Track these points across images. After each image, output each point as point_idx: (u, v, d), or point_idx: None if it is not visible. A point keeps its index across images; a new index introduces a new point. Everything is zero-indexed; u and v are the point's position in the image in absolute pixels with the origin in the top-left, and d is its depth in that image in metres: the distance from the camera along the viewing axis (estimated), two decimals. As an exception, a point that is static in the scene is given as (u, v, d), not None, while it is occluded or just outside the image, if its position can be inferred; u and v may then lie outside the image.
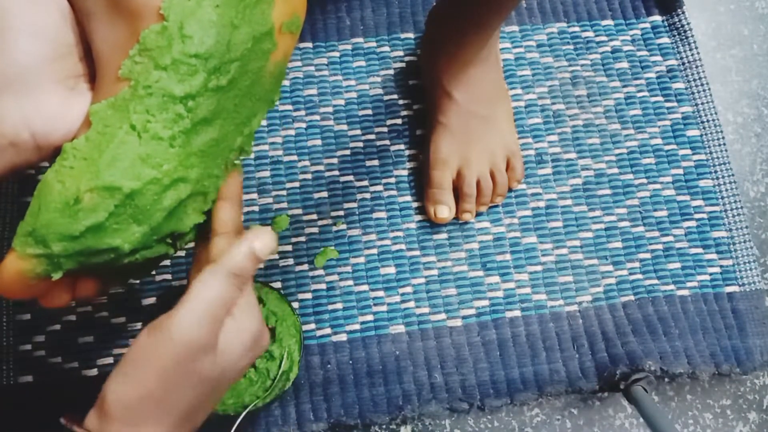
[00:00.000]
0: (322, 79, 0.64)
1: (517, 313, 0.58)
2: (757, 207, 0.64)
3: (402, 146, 0.62)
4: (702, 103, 0.64)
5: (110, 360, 0.56)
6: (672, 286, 0.59)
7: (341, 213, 0.60)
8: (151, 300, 0.57)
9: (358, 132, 0.62)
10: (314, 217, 0.60)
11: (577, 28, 0.66)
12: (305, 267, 0.59)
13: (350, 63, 0.64)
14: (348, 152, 0.62)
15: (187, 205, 0.30)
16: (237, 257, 0.31)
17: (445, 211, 0.58)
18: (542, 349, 0.57)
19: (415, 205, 0.61)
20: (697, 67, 0.65)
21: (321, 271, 0.58)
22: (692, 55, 0.65)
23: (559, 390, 0.56)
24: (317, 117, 0.62)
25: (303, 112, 0.63)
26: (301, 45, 0.64)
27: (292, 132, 0.62)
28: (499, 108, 0.59)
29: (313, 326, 0.57)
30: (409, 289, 0.58)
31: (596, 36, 0.66)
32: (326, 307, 0.58)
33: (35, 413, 0.54)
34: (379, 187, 0.61)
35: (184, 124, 0.28)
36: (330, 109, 0.63)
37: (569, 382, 0.56)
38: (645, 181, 0.62)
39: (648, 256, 0.60)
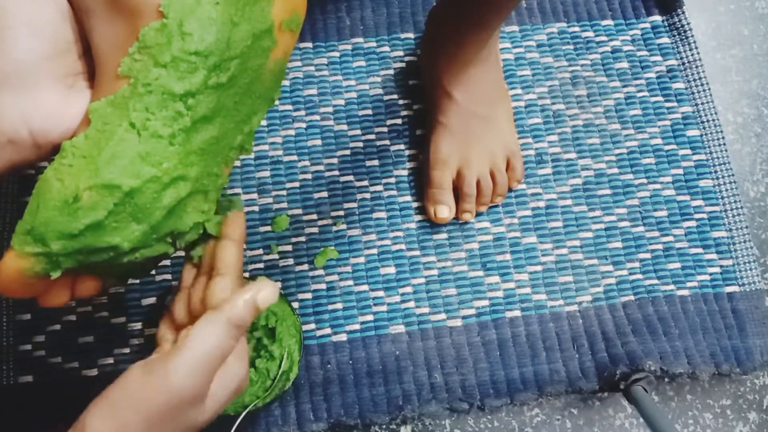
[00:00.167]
0: (322, 79, 0.64)
1: (517, 313, 0.58)
2: (757, 207, 0.64)
3: (402, 146, 0.62)
4: (702, 103, 0.64)
5: (110, 360, 0.56)
6: (672, 286, 0.59)
7: (341, 213, 0.60)
8: (151, 300, 0.57)
9: (358, 132, 0.62)
10: (314, 217, 0.60)
11: (577, 28, 0.66)
12: (305, 267, 0.59)
13: (350, 63, 0.64)
14: (348, 152, 0.62)
15: (186, 204, 0.30)
16: (238, 308, 0.31)
17: (445, 211, 0.58)
18: (542, 349, 0.57)
19: (415, 205, 0.61)
20: (697, 67, 0.65)
21: (321, 271, 0.58)
22: (692, 55, 0.65)
23: (559, 390, 0.56)
24: (317, 117, 0.63)
25: (303, 112, 0.63)
26: (301, 45, 0.64)
27: (292, 132, 0.62)
28: (499, 108, 0.59)
29: (313, 326, 0.57)
30: (409, 289, 0.58)
31: (596, 36, 0.66)
32: (326, 307, 0.58)
33: (35, 413, 0.54)
34: (379, 187, 0.61)
35: (183, 122, 0.28)
36: (330, 109, 0.63)
37: (569, 382, 0.56)
38: (645, 181, 0.62)
39: (648, 256, 0.60)
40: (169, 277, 0.58)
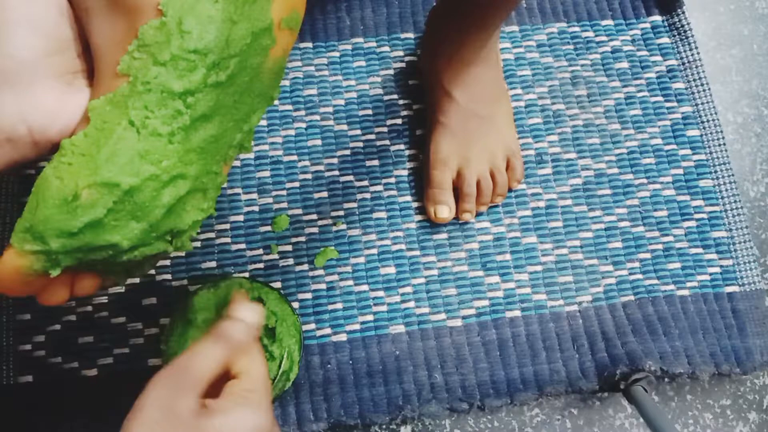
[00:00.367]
0: (322, 79, 0.64)
1: (517, 313, 0.58)
2: (757, 207, 0.64)
3: (402, 146, 0.62)
4: (702, 103, 0.64)
5: (110, 360, 0.56)
6: (672, 286, 0.59)
7: (341, 213, 0.60)
8: (152, 300, 0.57)
9: (358, 132, 0.62)
10: (314, 217, 0.60)
11: (577, 28, 0.66)
12: (305, 267, 0.59)
13: (350, 63, 0.64)
14: (348, 152, 0.62)
15: (186, 202, 0.30)
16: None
17: (445, 211, 0.58)
18: (542, 349, 0.57)
19: (415, 205, 0.61)
20: (697, 67, 0.65)
21: (321, 271, 0.58)
22: (692, 55, 0.65)
23: (559, 390, 0.56)
24: (317, 117, 0.63)
25: (303, 112, 0.63)
26: (301, 45, 0.65)
27: (292, 132, 0.62)
28: (499, 108, 0.59)
29: (313, 326, 0.57)
30: (409, 289, 0.58)
31: (596, 36, 0.66)
32: (326, 307, 0.58)
33: (35, 413, 0.54)
34: (379, 187, 0.61)
35: (183, 121, 0.28)
36: (330, 109, 0.63)
37: (569, 382, 0.56)
38: (645, 181, 0.62)
39: (648, 256, 0.60)
40: (169, 277, 0.58)
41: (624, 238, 0.61)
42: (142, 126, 0.27)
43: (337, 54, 0.65)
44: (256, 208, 0.60)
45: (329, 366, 0.56)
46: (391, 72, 0.64)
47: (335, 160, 0.61)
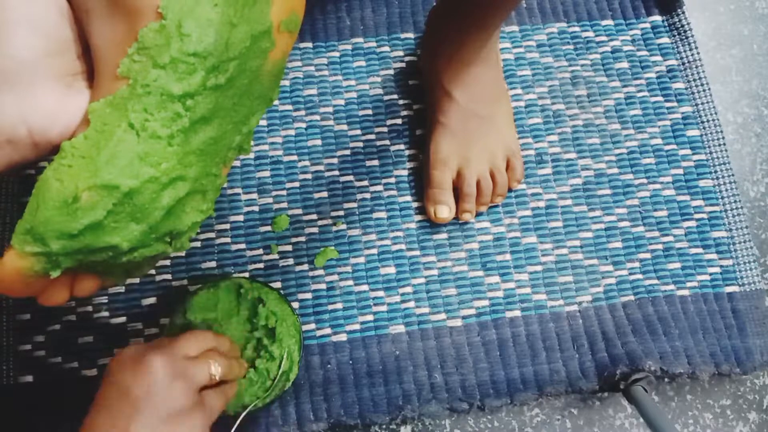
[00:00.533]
0: (322, 79, 0.64)
1: (517, 313, 0.58)
2: (757, 207, 0.64)
3: (402, 146, 0.62)
4: (702, 103, 0.64)
5: (110, 360, 0.55)
6: (672, 286, 0.59)
7: (341, 213, 0.60)
8: (152, 300, 0.57)
9: (358, 132, 0.62)
10: (314, 217, 0.60)
11: (577, 28, 0.66)
12: (305, 267, 0.59)
13: (350, 63, 0.64)
14: (348, 152, 0.62)
15: (185, 204, 0.30)
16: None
17: (445, 211, 0.58)
18: (542, 349, 0.57)
19: (415, 205, 0.61)
20: (697, 67, 0.65)
21: (321, 271, 0.58)
22: (692, 55, 0.65)
23: (559, 390, 0.56)
24: (317, 117, 0.63)
25: (303, 112, 0.63)
26: (301, 45, 0.65)
27: (292, 132, 0.62)
28: (499, 108, 0.59)
29: (313, 326, 0.57)
30: (409, 289, 0.58)
31: (596, 36, 0.66)
32: (326, 307, 0.58)
33: (35, 413, 0.54)
34: (379, 187, 0.61)
35: (182, 123, 0.28)
36: (330, 109, 0.63)
37: (569, 382, 0.56)
38: (645, 181, 0.62)
39: (648, 256, 0.60)
40: (169, 277, 0.58)
41: (624, 238, 0.61)
42: (142, 128, 0.28)
43: (337, 54, 0.65)
44: (256, 208, 0.60)
45: (329, 366, 0.56)
46: (391, 72, 0.64)
47: (335, 160, 0.61)
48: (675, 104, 0.64)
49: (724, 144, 0.63)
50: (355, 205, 0.60)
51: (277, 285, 0.58)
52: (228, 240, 0.59)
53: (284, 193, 0.60)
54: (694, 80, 0.65)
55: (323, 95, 0.63)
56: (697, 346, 0.57)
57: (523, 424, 0.57)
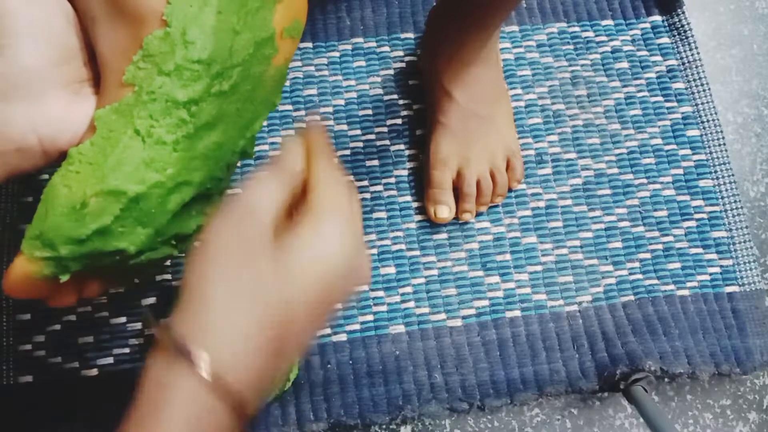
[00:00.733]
0: (322, 79, 0.64)
1: (517, 313, 0.58)
2: (757, 207, 0.64)
3: (402, 146, 0.62)
4: (702, 103, 0.64)
5: (110, 360, 0.56)
6: (672, 286, 0.59)
7: (341, 213, 0.60)
8: (151, 300, 0.57)
9: (358, 132, 0.62)
10: (314, 217, 0.60)
11: (577, 28, 0.66)
12: (305, 267, 0.58)
13: (350, 63, 0.64)
14: (348, 152, 0.62)
15: (191, 208, 0.31)
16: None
17: (445, 211, 0.58)
18: (542, 349, 0.57)
19: (415, 205, 0.61)
20: (697, 67, 0.65)
21: (321, 271, 0.58)
22: (692, 55, 0.65)
23: (559, 390, 0.56)
24: (317, 117, 0.63)
25: (303, 112, 0.63)
26: (301, 45, 0.64)
27: (292, 132, 0.62)
28: (499, 108, 0.59)
29: (313, 326, 0.57)
30: (409, 289, 0.58)
31: (596, 36, 0.66)
32: (326, 307, 0.58)
33: (35, 413, 0.54)
34: (379, 187, 0.61)
35: (187, 129, 0.29)
36: (330, 109, 0.63)
37: (569, 382, 0.56)
38: (645, 181, 0.62)
39: (648, 256, 0.60)
40: (169, 277, 0.58)
41: (624, 238, 0.61)
42: (147, 135, 0.28)
43: (337, 54, 0.65)
44: (256, 208, 0.60)
45: (329, 366, 0.56)
46: (391, 72, 0.64)
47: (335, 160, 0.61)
48: (675, 104, 0.64)
49: (724, 144, 0.63)
50: (355, 205, 0.60)
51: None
52: (228, 240, 0.59)
53: (284, 193, 0.60)
54: (694, 80, 0.65)
55: (323, 95, 0.63)
56: (697, 346, 0.57)
57: (523, 424, 0.57)
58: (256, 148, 0.61)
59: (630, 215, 0.61)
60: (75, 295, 0.32)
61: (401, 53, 0.65)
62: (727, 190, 0.62)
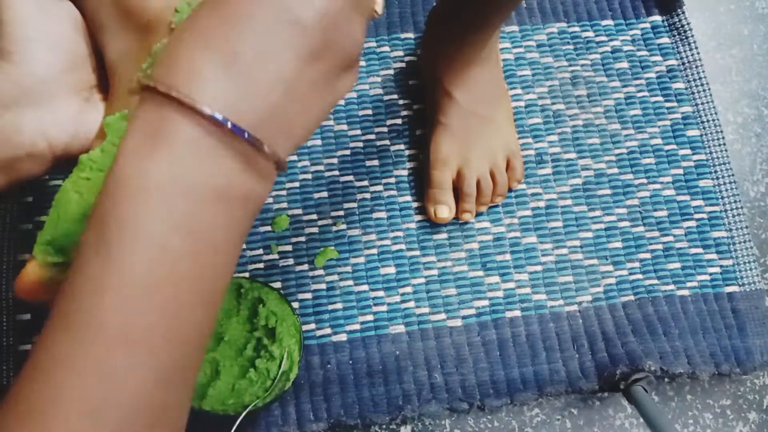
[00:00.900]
0: (322, 79, 0.64)
1: (517, 313, 0.58)
2: (757, 207, 0.64)
3: (402, 146, 0.62)
4: (702, 103, 0.64)
5: None
6: (672, 286, 0.59)
7: (341, 213, 0.60)
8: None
9: (358, 132, 0.62)
10: (314, 217, 0.60)
11: (577, 28, 0.66)
12: (305, 267, 0.59)
13: (350, 63, 0.64)
14: (348, 152, 0.62)
15: None
16: None
17: (445, 211, 0.58)
18: (542, 349, 0.57)
19: (415, 205, 0.61)
20: (697, 67, 0.65)
21: (321, 271, 0.58)
22: (692, 55, 0.65)
23: (559, 390, 0.56)
24: None
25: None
26: (301, 45, 0.64)
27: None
28: (499, 108, 0.59)
29: (313, 326, 0.57)
30: (409, 289, 0.58)
31: (596, 36, 0.66)
32: (326, 307, 0.58)
33: (35, 413, 0.54)
34: (379, 187, 0.61)
35: None
36: (330, 109, 0.63)
37: (569, 382, 0.56)
38: (645, 181, 0.62)
39: (648, 256, 0.60)
40: (169, 277, 0.58)
41: (624, 238, 0.61)
42: None
43: (337, 54, 0.64)
44: (256, 208, 0.60)
45: (329, 366, 0.56)
46: (391, 72, 0.64)
47: (335, 160, 0.61)
48: (675, 104, 0.64)
49: (724, 144, 0.63)
50: (355, 205, 0.60)
51: (277, 285, 0.58)
52: (228, 240, 0.59)
53: (284, 193, 0.60)
54: (694, 80, 0.65)
55: (323, 95, 0.63)
56: (697, 346, 0.57)
57: (523, 424, 0.57)
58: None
59: (630, 215, 0.61)
60: None
61: (401, 53, 0.65)
62: (727, 190, 0.62)
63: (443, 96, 0.57)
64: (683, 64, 0.65)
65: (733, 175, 0.62)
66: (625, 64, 0.65)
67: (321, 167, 0.61)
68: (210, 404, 0.48)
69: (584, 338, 0.57)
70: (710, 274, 0.60)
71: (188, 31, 0.22)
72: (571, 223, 0.61)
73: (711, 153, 0.63)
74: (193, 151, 0.21)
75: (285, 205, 0.60)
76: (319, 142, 0.62)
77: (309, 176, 0.61)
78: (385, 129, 0.63)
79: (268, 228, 0.59)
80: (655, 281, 0.59)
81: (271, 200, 0.60)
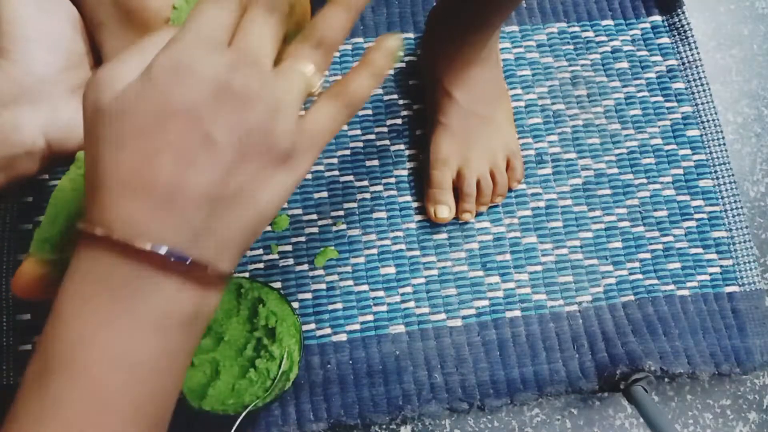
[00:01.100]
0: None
1: (517, 313, 0.58)
2: (757, 207, 0.64)
3: (402, 146, 0.62)
4: (702, 103, 0.64)
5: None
6: (672, 286, 0.59)
7: (341, 213, 0.60)
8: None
9: (358, 132, 0.62)
10: (314, 217, 0.60)
11: (577, 28, 0.66)
12: (305, 267, 0.59)
13: (350, 63, 0.64)
14: (348, 152, 0.62)
15: None
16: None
17: (445, 211, 0.58)
18: (542, 349, 0.57)
19: (415, 205, 0.61)
20: (697, 67, 0.65)
21: (321, 271, 0.58)
22: (692, 55, 0.65)
23: (559, 390, 0.56)
24: None
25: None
26: (301, 45, 0.64)
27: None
28: (499, 108, 0.59)
29: (313, 326, 0.57)
30: (409, 289, 0.58)
31: (596, 36, 0.66)
32: (326, 307, 0.58)
33: (35, 413, 0.54)
34: (379, 187, 0.61)
35: None
36: (330, 109, 0.63)
37: (569, 382, 0.56)
38: (645, 181, 0.62)
39: (648, 256, 0.60)
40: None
41: (624, 238, 0.61)
42: None
43: (338, 54, 0.65)
44: (256, 208, 0.60)
45: (329, 366, 0.56)
46: (391, 72, 0.64)
47: (335, 160, 0.61)
48: (675, 104, 0.64)
49: (724, 144, 0.63)
50: (355, 205, 0.60)
51: (277, 285, 0.58)
52: (228, 240, 0.59)
53: (284, 193, 0.60)
54: (694, 80, 0.65)
55: (323, 95, 0.63)
56: (697, 346, 0.57)
57: (523, 424, 0.57)
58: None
59: (630, 215, 0.61)
60: None
61: (401, 53, 0.65)
62: (727, 190, 0.62)
63: (443, 96, 0.57)
64: (683, 64, 0.65)
65: (733, 175, 0.62)
66: (625, 64, 0.65)
67: (321, 167, 0.61)
68: (210, 404, 0.48)
69: (584, 338, 0.57)
70: (710, 274, 0.60)
71: (107, 172, 0.21)
72: (571, 223, 0.61)
73: (711, 153, 0.63)
74: (133, 287, 0.21)
75: (285, 205, 0.60)
76: (319, 142, 0.62)
77: (309, 176, 0.61)
78: (385, 129, 0.63)
79: (268, 228, 0.59)
80: (655, 281, 0.59)
81: (271, 200, 0.60)
